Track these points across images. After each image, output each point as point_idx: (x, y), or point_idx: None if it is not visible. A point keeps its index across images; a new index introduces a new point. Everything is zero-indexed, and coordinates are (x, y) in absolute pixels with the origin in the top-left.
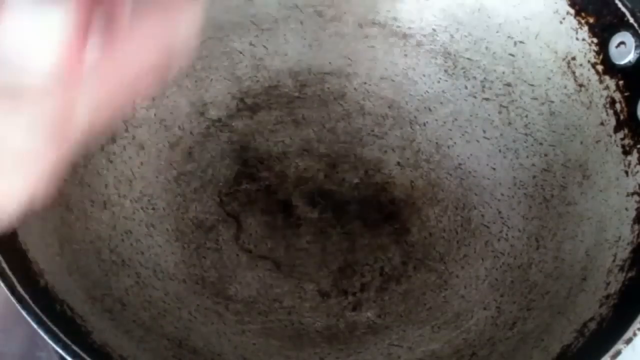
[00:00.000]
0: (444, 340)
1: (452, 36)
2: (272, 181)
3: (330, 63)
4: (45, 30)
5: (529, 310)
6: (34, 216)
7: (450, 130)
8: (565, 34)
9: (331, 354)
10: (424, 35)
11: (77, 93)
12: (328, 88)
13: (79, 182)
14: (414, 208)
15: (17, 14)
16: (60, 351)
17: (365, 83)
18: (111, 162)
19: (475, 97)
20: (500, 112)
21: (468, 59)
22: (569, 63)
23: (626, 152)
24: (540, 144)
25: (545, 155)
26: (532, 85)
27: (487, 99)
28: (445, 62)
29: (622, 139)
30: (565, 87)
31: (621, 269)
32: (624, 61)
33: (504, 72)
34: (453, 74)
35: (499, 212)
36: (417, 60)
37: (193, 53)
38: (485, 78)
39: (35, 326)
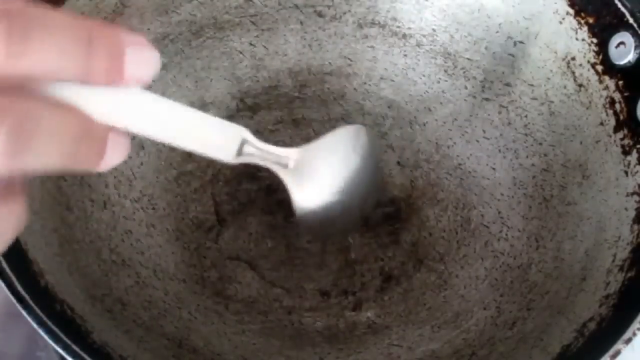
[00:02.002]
0: (444, 340)
1: (452, 36)
2: (272, 181)
3: (330, 63)
4: None
5: (528, 310)
6: (34, 216)
7: (450, 130)
8: (565, 34)
9: (331, 353)
10: (424, 36)
11: None
12: (328, 88)
13: (79, 182)
14: (414, 208)
15: None
16: (60, 351)
17: (365, 83)
18: None
19: (475, 97)
20: (500, 112)
21: (468, 59)
22: (568, 63)
23: (626, 152)
24: (540, 144)
25: (545, 155)
26: (532, 85)
27: (487, 99)
28: (445, 62)
29: (622, 139)
30: (565, 87)
31: (621, 269)
32: (623, 61)
33: (504, 72)
34: (453, 74)
35: (499, 212)
36: (417, 61)
37: (193, 53)
38: (485, 78)
39: (35, 326)
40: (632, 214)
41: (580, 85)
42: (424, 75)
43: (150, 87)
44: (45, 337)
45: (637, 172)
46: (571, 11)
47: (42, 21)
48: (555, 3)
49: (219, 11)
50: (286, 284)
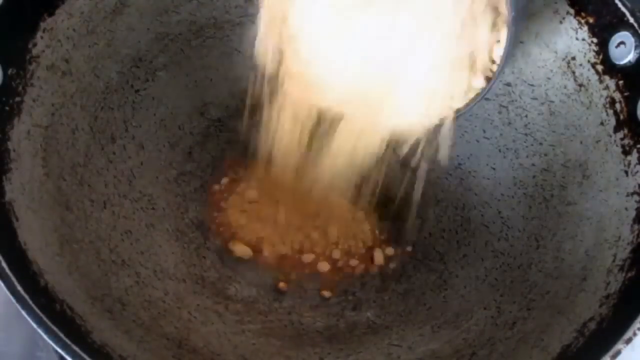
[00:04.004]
0: (444, 340)
1: None
2: None
3: None
4: None
5: (529, 310)
6: (34, 216)
7: None
8: (565, 33)
9: (331, 353)
10: None
11: None
12: None
13: (79, 181)
14: (414, 208)
15: None
16: (60, 351)
17: None
18: (111, 162)
19: None
20: (500, 112)
21: None
22: (568, 63)
23: (626, 152)
24: (540, 143)
25: (545, 155)
26: (532, 85)
27: (487, 99)
28: None
29: (622, 139)
30: (565, 87)
31: (621, 268)
32: (623, 61)
33: (504, 72)
34: None
35: (499, 212)
36: None
37: (193, 53)
38: None
39: (35, 326)
40: (633, 213)
41: (581, 85)
42: None
43: (151, 86)
44: (45, 337)
45: (637, 172)
46: (571, 11)
47: None
48: (556, 3)
49: (219, 11)
50: (286, 285)
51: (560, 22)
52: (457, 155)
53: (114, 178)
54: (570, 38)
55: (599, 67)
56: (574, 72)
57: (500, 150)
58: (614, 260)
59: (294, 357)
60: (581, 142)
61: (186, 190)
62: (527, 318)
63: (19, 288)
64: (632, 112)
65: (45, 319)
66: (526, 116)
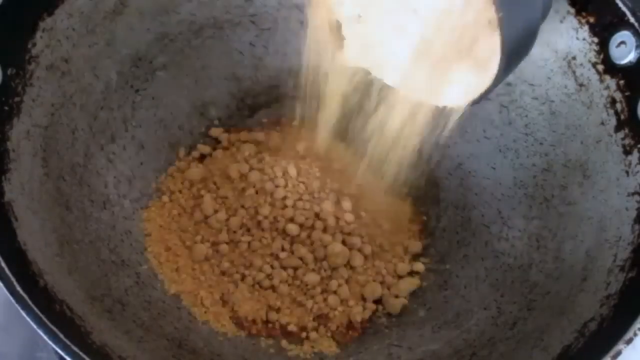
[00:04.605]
0: (444, 340)
1: None
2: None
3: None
4: None
5: (529, 310)
6: (33, 216)
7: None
8: (565, 33)
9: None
10: None
11: None
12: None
13: (79, 182)
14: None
15: None
16: (60, 351)
17: None
18: (111, 162)
19: None
20: (500, 112)
21: None
22: (569, 62)
23: (627, 151)
24: (541, 143)
25: (546, 155)
26: (533, 84)
27: (487, 99)
28: None
29: (623, 139)
30: (566, 87)
31: (622, 269)
32: (624, 61)
33: None
34: None
35: (499, 212)
36: None
37: (193, 53)
38: None
39: (35, 326)
40: (633, 213)
41: (581, 85)
42: None
43: (151, 86)
44: (45, 337)
45: (638, 172)
46: (572, 10)
47: None
48: (556, 2)
49: (219, 11)
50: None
51: (561, 22)
52: (457, 155)
53: (114, 178)
54: (571, 37)
55: (600, 67)
56: (574, 72)
57: (500, 150)
58: (614, 261)
59: (295, 358)
60: (582, 142)
61: None
62: (528, 318)
63: (19, 288)
64: (632, 112)
65: (45, 319)
66: (527, 116)
